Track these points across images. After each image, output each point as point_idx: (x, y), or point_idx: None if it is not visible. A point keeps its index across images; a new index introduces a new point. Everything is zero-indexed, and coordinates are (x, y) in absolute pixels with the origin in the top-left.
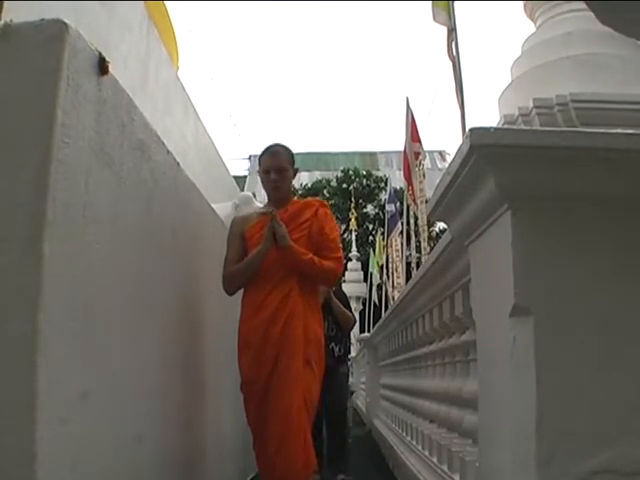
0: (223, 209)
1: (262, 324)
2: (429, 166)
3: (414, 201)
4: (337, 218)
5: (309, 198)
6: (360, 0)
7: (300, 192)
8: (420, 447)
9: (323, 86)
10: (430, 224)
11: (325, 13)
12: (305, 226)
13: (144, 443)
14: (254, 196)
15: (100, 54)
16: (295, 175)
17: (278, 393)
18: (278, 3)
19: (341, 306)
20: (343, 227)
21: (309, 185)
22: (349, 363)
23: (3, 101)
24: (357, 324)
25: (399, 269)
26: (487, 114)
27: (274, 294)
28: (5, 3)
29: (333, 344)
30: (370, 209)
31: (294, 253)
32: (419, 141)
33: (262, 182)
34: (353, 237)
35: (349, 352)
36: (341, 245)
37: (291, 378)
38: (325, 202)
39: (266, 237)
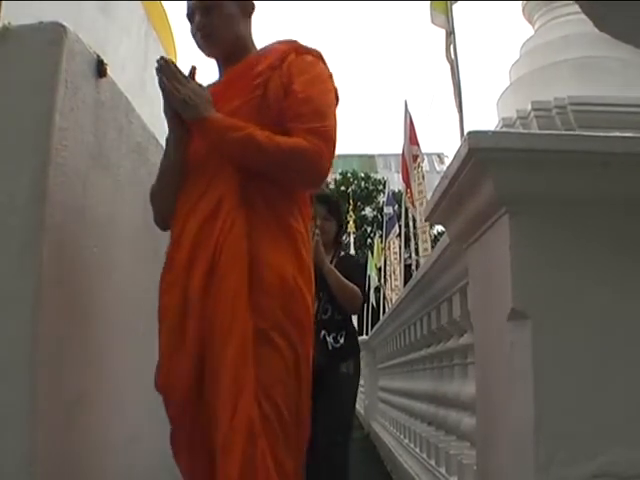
0: None
1: (179, 273)
2: (427, 169)
3: (412, 204)
4: None
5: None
6: (358, 0)
7: None
8: (418, 450)
9: None
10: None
11: (324, 14)
12: (257, 84)
13: (143, 444)
14: None
15: (98, 57)
16: (249, 15)
17: (211, 405)
18: (276, 4)
19: (338, 274)
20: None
21: None
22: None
23: (1, 104)
24: (355, 327)
25: (397, 272)
26: (485, 117)
27: (198, 212)
28: (3, 4)
29: (325, 332)
30: (368, 212)
31: (213, 128)
32: (417, 144)
33: (195, 42)
34: (351, 240)
35: (356, 344)
36: (333, 120)
37: (227, 367)
38: (308, 48)
39: (165, 112)
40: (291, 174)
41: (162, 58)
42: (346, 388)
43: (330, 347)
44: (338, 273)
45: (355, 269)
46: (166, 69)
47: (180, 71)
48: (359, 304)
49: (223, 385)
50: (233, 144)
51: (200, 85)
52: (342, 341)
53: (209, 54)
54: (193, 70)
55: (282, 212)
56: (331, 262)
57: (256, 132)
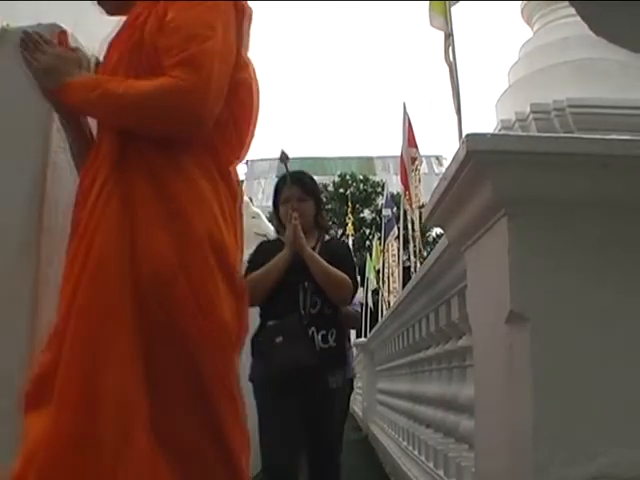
0: None
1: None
2: (426, 171)
3: (411, 206)
4: (334, 223)
5: None
6: (357, 0)
7: None
8: (417, 452)
9: (320, 90)
10: (426, 229)
11: (321, 16)
12: (134, 28)
13: None
14: (251, 201)
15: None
16: None
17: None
18: (274, 4)
19: (321, 260)
20: (340, 232)
21: None
22: (350, 368)
23: (0, 106)
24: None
25: (395, 274)
26: (484, 119)
27: (80, 187)
28: (2, 4)
29: (314, 329)
30: (367, 214)
31: (72, 93)
32: (416, 146)
33: None
34: (350, 242)
35: (343, 349)
36: (215, 41)
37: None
38: None
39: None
40: (160, 122)
41: (24, 32)
42: (337, 404)
43: (318, 348)
44: (320, 259)
45: (343, 254)
46: (28, 43)
47: (44, 40)
48: (348, 293)
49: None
50: (94, 105)
51: (73, 49)
52: (332, 341)
53: (109, 14)
54: (61, 34)
55: (165, 174)
56: (314, 248)
57: (115, 85)
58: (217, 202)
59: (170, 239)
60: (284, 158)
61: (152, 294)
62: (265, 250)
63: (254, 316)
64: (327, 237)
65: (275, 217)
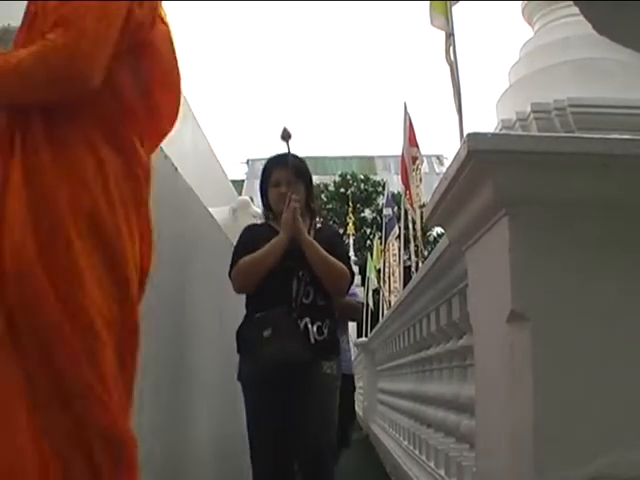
0: (220, 213)
1: None
2: (427, 170)
3: (412, 205)
4: (334, 222)
5: None
6: (357, 0)
7: None
8: (417, 452)
9: (320, 90)
10: (426, 229)
11: (322, 15)
12: (33, 4)
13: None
14: (252, 200)
15: None
16: None
17: None
18: (274, 4)
19: (319, 247)
20: (341, 232)
21: None
22: (351, 364)
23: None
24: (353, 328)
25: (396, 273)
26: (485, 118)
27: None
28: (3, 4)
29: (308, 321)
30: (368, 213)
31: None
32: (417, 145)
33: None
34: (351, 241)
35: (338, 339)
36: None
37: None
38: None
39: None
40: (37, 86)
41: None
42: (331, 392)
43: (313, 340)
44: (319, 246)
45: (338, 243)
46: None
47: None
48: (346, 283)
49: None
50: None
51: None
52: (326, 333)
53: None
54: None
55: (37, 145)
56: (307, 233)
57: None
58: (101, 179)
59: (29, 224)
60: (286, 136)
61: (15, 293)
62: (256, 235)
63: (241, 306)
64: (319, 225)
65: (263, 201)
